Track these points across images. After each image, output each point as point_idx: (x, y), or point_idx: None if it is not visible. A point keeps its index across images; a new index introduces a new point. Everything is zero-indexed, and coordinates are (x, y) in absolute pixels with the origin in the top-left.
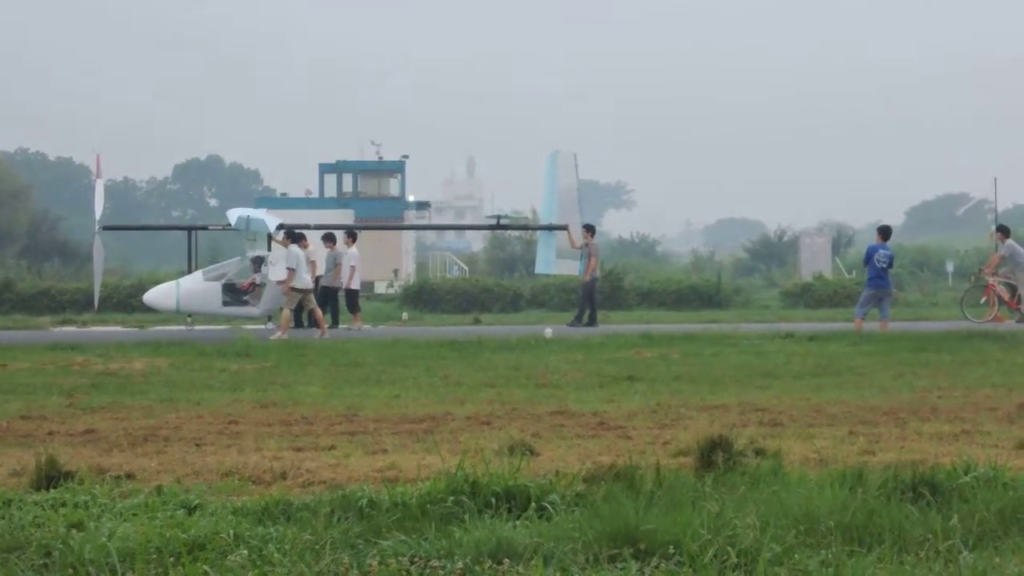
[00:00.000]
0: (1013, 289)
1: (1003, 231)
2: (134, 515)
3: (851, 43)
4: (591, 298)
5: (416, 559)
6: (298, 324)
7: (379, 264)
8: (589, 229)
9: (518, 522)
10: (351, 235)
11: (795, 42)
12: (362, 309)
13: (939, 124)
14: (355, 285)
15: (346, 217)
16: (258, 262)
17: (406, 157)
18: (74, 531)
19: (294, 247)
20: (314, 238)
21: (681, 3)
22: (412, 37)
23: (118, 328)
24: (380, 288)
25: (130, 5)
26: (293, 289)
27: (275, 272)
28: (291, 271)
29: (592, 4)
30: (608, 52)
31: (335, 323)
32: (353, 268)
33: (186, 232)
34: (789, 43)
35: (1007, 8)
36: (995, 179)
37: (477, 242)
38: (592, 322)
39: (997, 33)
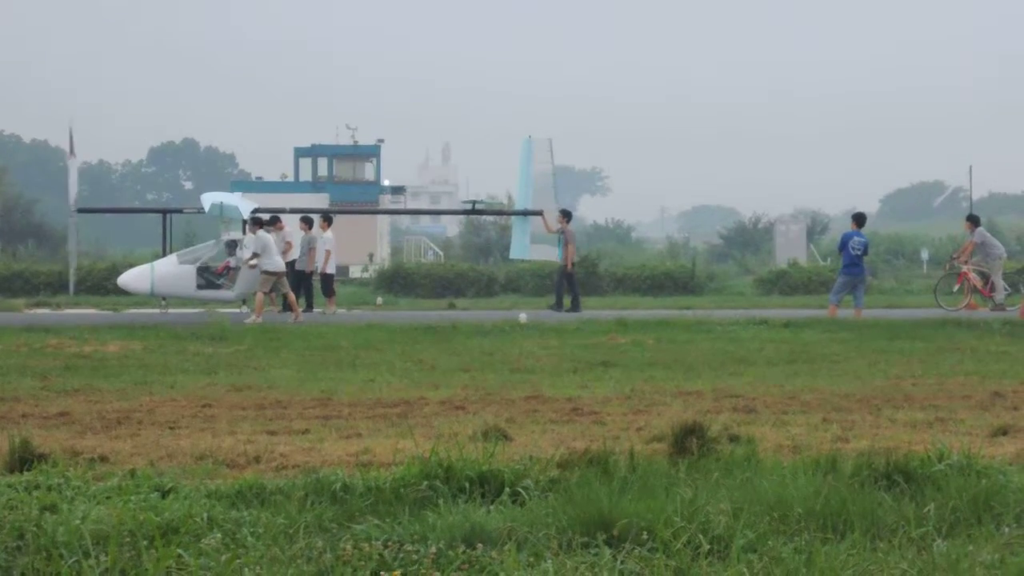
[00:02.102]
0: (986, 277)
1: (973, 221)
2: (107, 498)
3: (828, 44)
4: (571, 282)
5: (389, 543)
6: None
7: (354, 248)
8: (565, 215)
9: (492, 507)
10: (327, 219)
11: (772, 42)
12: (337, 293)
13: (912, 113)
14: (330, 269)
15: (321, 201)
16: (232, 245)
17: (381, 141)
18: (47, 514)
19: (261, 231)
20: (290, 222)
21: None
22: (391, 25)
23: (92, 311)
24: (355, 272)
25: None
26: (266, 272)
27: (243, 256)
28: (255, 255)
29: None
30: (586, 46)
31: (309, 307)
32: (328, 252)
33: (161, 215)
34: (766, 43)
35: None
36: (970, 167)
37: (452, 227)
38: (575, 306)
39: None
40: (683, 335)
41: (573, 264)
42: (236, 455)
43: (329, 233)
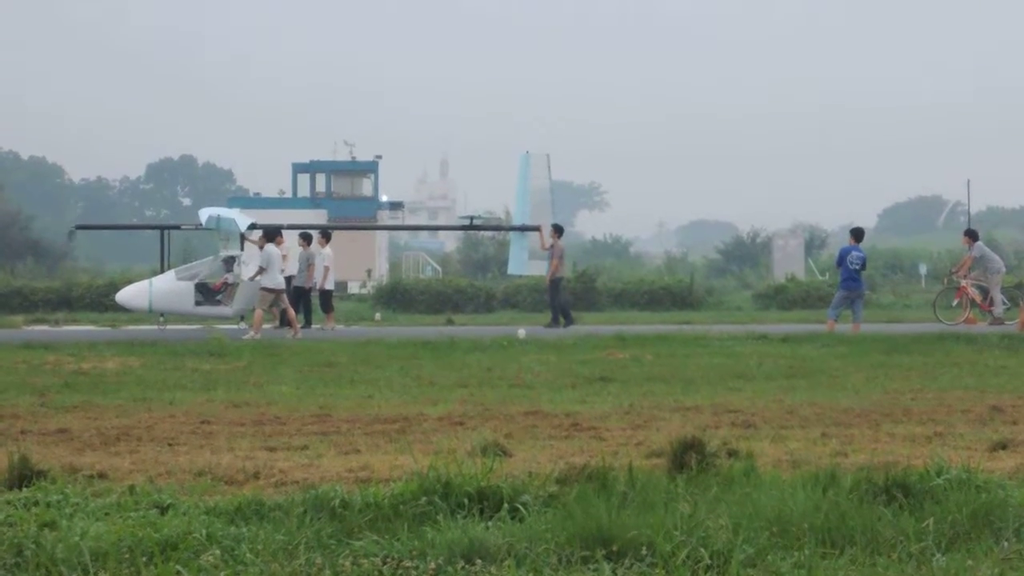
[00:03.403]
0: (985, 291)
1: (971, 235)
2: (106, 514)
3: (825, 60)
4: (560, 297)
5: (388, 559)
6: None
7: (352, 264)
8: (557, 229)
9: (490, 523)
10: (325, 235)
11: (769, 58)
12: (335, 309)
13: (910, 128)
14: (329, 285)
15: (319, 217)
16: (230, 262)
17: (379, 157)
18: (46, 530)
19: (270, 246)
20: (289, 238)
21: (659, 17)
22: (390, 41)
23: (91, 327)
24: (353, 288)
25: (105, 17)
26: (265, 289)
27: (248, 272)
28: (261, 269)
29: (569, 14)
30: (583, 62)
31: (307, 323)
32: (327, 268)
33: (159, 231)
34: (763, 59)
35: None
36: (968, 182)
37: (450, 242)
38: (568, 321)
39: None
40: (682, 350)
41: (556, 279)
42: (235, 471)
43: (328, 249)
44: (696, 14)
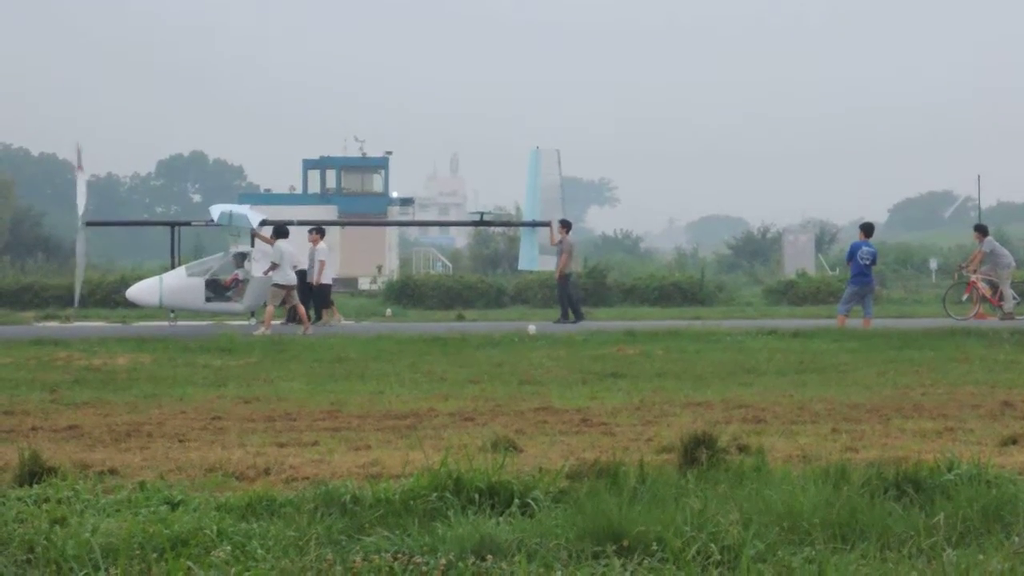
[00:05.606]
0: (995, 286)
1: (981, 230)
2: (117, 511)
3: (834, 59)
4: (570, 293)
5: (399, 555)
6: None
7: (363, 260)
8: (565, 225)
9: (501, 518)
10: (319, 231)
11: (778, 58)
12: (340, 304)
13: (920, 123)
14: (326, 280)
15: (329, 213)
16: (241, 258)
17: (389, 153)
18: (57, 527)
19: (281, 242)
20: (300, 234)
21: (668, 16)
22: (399, 39)
23: (101, 324)
24: (364, 284)
25: (115, 15)
26: (276, 285)
27: (258, 268)
28: (273, 265)
29: (579, 13)
30: (591, 62)
31: (319, 318)
32: (323, 263)
33: (169, 228)
34: (773, 59)
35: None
36: (979, 177)
37: (461, 238)
38: (577, 316)
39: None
40: (692, 346)
41: (565, 274)
42: (246, 467)
43: (323, 244)
44: (704, 13)
